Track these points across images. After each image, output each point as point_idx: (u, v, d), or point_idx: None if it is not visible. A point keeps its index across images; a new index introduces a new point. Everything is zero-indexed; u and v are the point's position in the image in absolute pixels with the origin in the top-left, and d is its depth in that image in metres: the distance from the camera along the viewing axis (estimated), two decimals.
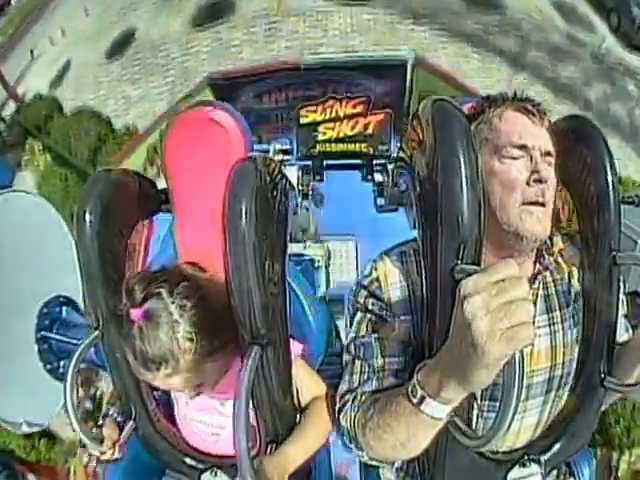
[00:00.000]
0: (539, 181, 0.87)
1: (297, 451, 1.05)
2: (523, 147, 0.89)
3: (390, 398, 0.80)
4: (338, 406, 0.94)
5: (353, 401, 0.90)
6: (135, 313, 0.90)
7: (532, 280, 0.95)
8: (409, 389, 0.73)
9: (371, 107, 3.56)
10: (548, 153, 0.91)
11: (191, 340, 0.93)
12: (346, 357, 0.97)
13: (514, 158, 0.89)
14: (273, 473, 0.97)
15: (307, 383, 1.13)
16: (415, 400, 0.72)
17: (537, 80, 7.19)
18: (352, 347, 0.95)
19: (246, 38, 7.84)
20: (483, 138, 0.92)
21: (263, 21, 8.20)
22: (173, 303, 0.93)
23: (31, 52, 9.79)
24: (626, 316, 1.07)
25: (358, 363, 0.93)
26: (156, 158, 3.32)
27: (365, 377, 0.92)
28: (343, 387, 0.95)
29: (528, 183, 0.88)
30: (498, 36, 7.76)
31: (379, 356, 0.91)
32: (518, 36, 7.86)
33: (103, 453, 1.08)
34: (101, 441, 1.08)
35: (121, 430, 1.11)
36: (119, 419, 1.13)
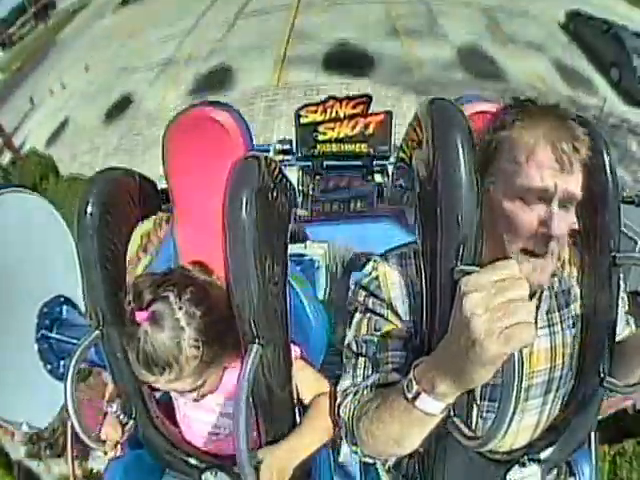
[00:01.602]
0: (548, 237, 0.79)
1: (298, 448, 1.04)
2: (542, 196, 0.79)
3: (387, 394, 0.80)
4: (339, 400, 0.94)
5: (354, 395, 0.90)
6: (141, 315, 0.90)
7: None
8: (405, 384, 0.74)
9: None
10: (571, 197, 0.80)
11: (197, 348, 0.94)
12: (347, 355, 0.97)
13: (528, 204, 0.80)
14: (273, 471, 0.97)
15: (308, 382, 1.13)
16: (410, 395, 0.72)
17: None
18: (354, 345, 0.95)
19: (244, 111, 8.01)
20: (501, 168, 0.82)
21: (262, 97, 8.22)
22: (181, 309, 0.93)
23: (31, 100, 9.83)
24: (627, 312, 1.06)
25: (361, 360, 0.93)
26: (149, 245, 3.26)
27: (368, 372, 0.92)
28: (345, 382, 0.95)
29: (535, 234, 0.80)
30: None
31: (381, 351, 0.91)
32: None
33: (105, 453, 1.09)
34: (104, 441, 1.09)
35: (123, 429, 1.11)
36: (121, 417, 1.13)
